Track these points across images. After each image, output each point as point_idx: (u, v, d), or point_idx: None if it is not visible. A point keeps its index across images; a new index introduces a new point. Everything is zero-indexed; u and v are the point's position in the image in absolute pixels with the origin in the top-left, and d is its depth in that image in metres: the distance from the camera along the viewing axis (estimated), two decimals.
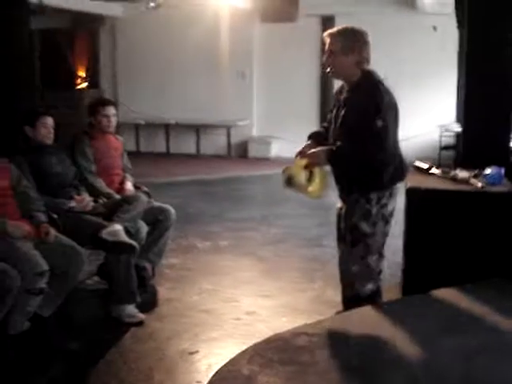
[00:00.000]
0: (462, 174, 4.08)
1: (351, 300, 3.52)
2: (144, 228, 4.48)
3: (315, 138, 3.62)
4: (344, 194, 3.56)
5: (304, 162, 3.43)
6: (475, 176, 4.05)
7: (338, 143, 3.36)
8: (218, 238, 6.18)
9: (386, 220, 3.46)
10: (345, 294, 3.59)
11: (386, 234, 3.50)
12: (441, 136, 10.64)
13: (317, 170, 3.45)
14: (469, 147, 4.81)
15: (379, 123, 3.19)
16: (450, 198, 3.86)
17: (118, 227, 4.08)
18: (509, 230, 3.78)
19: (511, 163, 4.59)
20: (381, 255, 3.53)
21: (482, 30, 4.68)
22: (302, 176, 3.45)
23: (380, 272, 3.55)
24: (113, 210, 4.30)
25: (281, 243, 6.05)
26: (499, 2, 4.64)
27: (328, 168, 3.46)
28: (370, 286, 3.48)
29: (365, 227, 3.41)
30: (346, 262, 3.53)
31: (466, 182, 3.98)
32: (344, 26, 3.40)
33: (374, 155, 3.28)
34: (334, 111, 3.49)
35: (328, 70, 3.40)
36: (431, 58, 10.98)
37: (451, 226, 3.82)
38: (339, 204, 3.64)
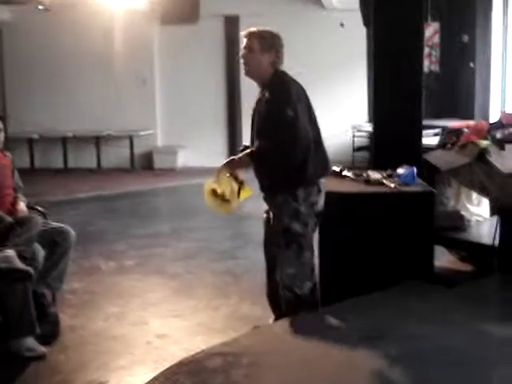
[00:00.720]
0: (375, 175, 4.21)
1: (291, 303, 3.62)
2: (40, 251, 4.32)
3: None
4: (269, 196, 3.67)
5: (226, 176, 3.61)
6: (388, 177, 4.19)
7: (256, 143, 3.55)
8: (123, 257, 6.07)
9: (317, 218, 3.66)
10: (284, 298, 3.66)
11: (315, 230, 3.72)
12: (353, 136, 10.96)
13: (247, 187, 3.65)
14: (380, 147, 4.97)
15: (289, 113, 3.40)
16: (364, 200, 3.97)
17: (11, 253, 3.92)
18: (422, 229, 3.93)
19: (423, 162, 4.79)
20: (312, 250, 3.70)
21: (387, 30, 4.85)
22: (228, 190, 3.62)
23: (313, 268, 3.70)
24: (4, 234, 4.13)
25: (192, 258, 6.01)
26: (402, 4, 4.84)
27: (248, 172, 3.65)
28: (308, 285, 3.63)
29: (297, 228, 3.56)
30: (281, 266, 3.64)
31: (379, 183, 4.11)
32: (261, 27, 3.66)
33: (290, 145, 3.43)
34: (251, 121, 3.71)
35: (244, 67, 3.65)
36: (340, 56, 11.32)
37: (366, 229, 3.92)
38: (265, 207, 3.79)
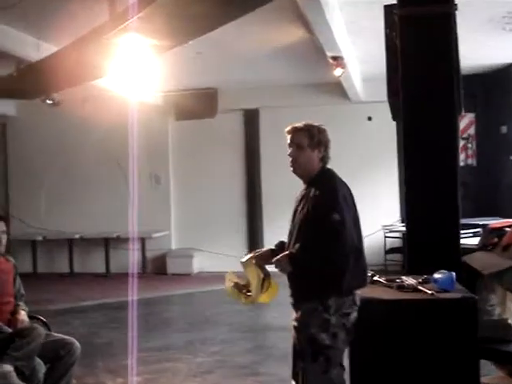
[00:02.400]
0: (409, 280, 4.16)
1: None
2: (41, 366, 4.29)
3: (279, 247, 3.82)
4: (299, 302, 3.67)
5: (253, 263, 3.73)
6: (424, 282, 4.14)
7: (297, 245, 3.58)
8: (133, 372, 5.98)
9: (350, 330, 3.60)
10: None
11: (348, 345, 3.65)
12: (385, 237, 10.94)
13: (272, 281, 3.73)
14: (415, 249, 4.94)
15: (336, 217, 3.43)
16: (398, 308, 3.91)
17: (8, 368, 3.91)
18: (465, 342, 3.84)
19: (463, 265, 4.75)
20: (342, 366, 3.63)
21: (418, 122, 4.95)
22: (254, 281, 3.72)
23: None
24: (2, 347, 4.12)
25: (209, 374, 5.92)
26: (434, 94, 4.95)
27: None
28: None
29: (324, 339, 3.52)
30: (306, 381, 3.56)
31: (414, 289, 4.06)
32: (305, 122, 3.79)
33: (334, 252, 3.44)
34: (292, 217, 3.76)
35: (291, 164, 3.76)
36: (369, 151, 11.50)
37: (401, 342, 3.84)
38: (293, 315, 3.72)
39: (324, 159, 3.76)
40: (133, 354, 6.60)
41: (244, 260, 3.82)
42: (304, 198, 3.71)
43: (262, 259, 3.79)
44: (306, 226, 3.61)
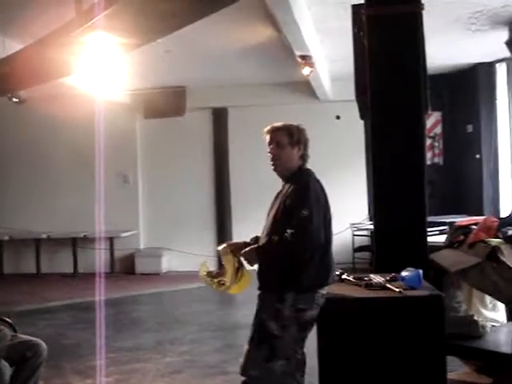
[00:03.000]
0: (377, 278, 4.19)
1: None
2: (7, 369, 4.24)
3: (254, 241, 3.90)
4: (261, 293, 3.76)
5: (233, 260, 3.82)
6: (391, 280, 4.18)
7: (265, 238, 3.71)
8: (101, 373, 5.94)
9: (303, 326, 3.66)
10: None
11: (299, 341, 3.72)
12: (353, 235, 11.01)
13: (245, 271, 3.86)
14: (382, 247, 4.98)
15: (304, 213, 3.54)
16: (365, 306, 3.94)
17: None
18: (432, 338, 3.88)
19: (429, 263, 4.79)
20: (288, 361, 3.67)
21: (385, 125, 4.98)
22: (230, 272, 3.83)
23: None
24: None
25: (178, 374, 5.89)
26: (401, 93, 4.99)
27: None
28: None
29: (272, 328, 3.59)
30: (245, 364, 3.64)
31: (381, 287, 4.09)
32: (284, 122, 3.93)
33: (298, 244, 3.53)
34: (268, 212, 3.87)
35: (272, 162, 3.86)
36: (337, 149, 11.56)
37: (369, 338, 3.87)
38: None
39: (303, 157, 3.91)
40: (101, 354, 6.56)
41: (220, 248, 3.93)
42: (280, 194, 3.82)
43: (237, 249, 3.85)
44: (277, 221, 3.71)
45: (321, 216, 3.65)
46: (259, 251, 3.70)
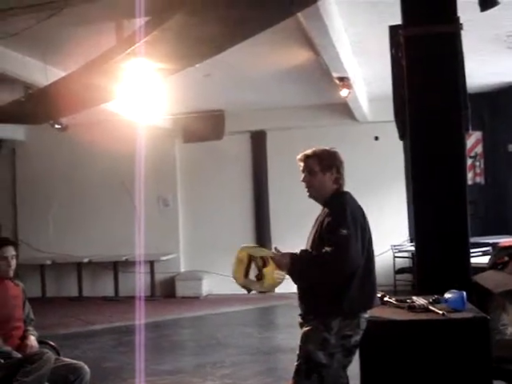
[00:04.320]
0: (420, 300, 4.13)
1: None
2: None
3: None
4: (305, 320, 3.70)
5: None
6: (434, 302, 4.11)
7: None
8: None
9: (348, 351, 3.62)
10: None
11: (345, 367, 3.67)
12: (394, 257, 10.88)
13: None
14: (424, 269, 4.91)
15: (343, 232, 3.49)
16: (409, 329, 3.88)
17: None
18: (478, 362, 3.80)
19: (473, 285, 4.71)
20: None
21: (425, 141, 4.94)
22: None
23: None
24: (12, 372, 4.10)
25: None
26: (441, 113, 4.94)
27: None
28: None
29: (320, 357, 3.53)
30: None
31: (425, 309, 4.03)
32: (315, 147, 3.90)
33: (337, 262, 3.47)
34: (308, 237, 3.84)
35: (307, 189, 3.86)
36: (377, 170, 11.48)
37: (412, 363, 3.80)
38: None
39: (338, 180, 3.86)
40: (142, 377, 6.57)
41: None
42: (318, 218, 3.80)
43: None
44: (315, 244, 3.69)
45: (359, 235, 3.59)
46: (295, 257, 3.66)
